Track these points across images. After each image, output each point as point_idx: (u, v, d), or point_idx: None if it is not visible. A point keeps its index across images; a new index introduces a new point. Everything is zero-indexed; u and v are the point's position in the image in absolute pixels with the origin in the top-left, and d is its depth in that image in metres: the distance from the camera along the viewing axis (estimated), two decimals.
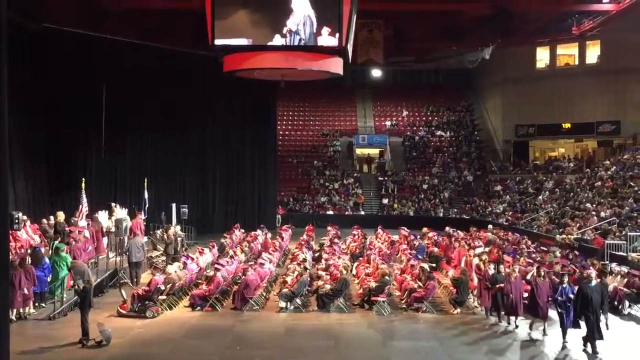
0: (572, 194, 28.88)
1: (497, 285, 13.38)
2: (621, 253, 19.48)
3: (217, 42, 16.59)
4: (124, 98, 24.48)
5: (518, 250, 19.17)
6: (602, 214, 23.84)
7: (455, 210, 34.04)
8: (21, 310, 12.96)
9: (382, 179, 37.89)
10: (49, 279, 13.94)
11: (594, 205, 25.28)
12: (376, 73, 35.07)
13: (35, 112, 21.70)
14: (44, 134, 22.82)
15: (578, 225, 23.63)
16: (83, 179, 19.62)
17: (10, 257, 12.46)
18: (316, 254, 20.38)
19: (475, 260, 15.25)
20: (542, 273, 12.92)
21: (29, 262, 13.67)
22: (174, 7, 21.95)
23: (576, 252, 19.55)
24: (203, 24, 16.81)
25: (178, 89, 26.26)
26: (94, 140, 24.63)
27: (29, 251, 14.73)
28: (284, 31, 16.38)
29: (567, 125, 35.35)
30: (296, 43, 16.46)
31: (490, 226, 25.37)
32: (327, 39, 16.39)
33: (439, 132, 41.73)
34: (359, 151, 40.88)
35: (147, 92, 25.52)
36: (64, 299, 13.78)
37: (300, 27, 16.36)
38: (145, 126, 26.65)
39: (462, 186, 36.81)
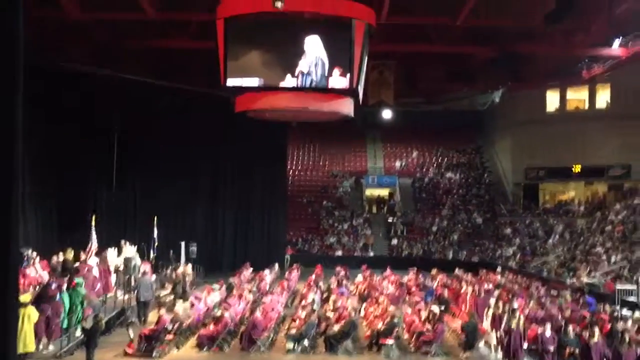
0: (582, 237, 28.71)
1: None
2: (632, 298, 19.30)
3: (229, 82, 16.72)
4: (136, 135, 24.66)
5: (528, 294, 19.03)
6: (613, 259, 23.67)
7: (465, 252, 33.85)
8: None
9: (391, 220, 37.79)
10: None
11: (605, 250, 25.11)
12: (387, 114, 35.16)
13: (47, 148, 21.85)
14: (55, 171, 22.95)
15: (588, 269, 23.46)
16: (93, 215, 19.67)
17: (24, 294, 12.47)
18: (324, 295, 20.28)
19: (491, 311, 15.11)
20: (596, 332, 12.66)
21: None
22: (190, 47, 22.20)
23: (586, 297, 19.37)
24: (215, 64, 16.96)
25: (190, 128, 26.44)
26: (105, 177, 24.75)
27: (37, 288, 14.71)
28: (296, 72, 16.49)
29: (578, 169, 35.27)
30: (308, 84, 16.55)
31: (499, 269, 25.21)
32: (338, 80, 16.48)
33: (448, 174, 41.71)
34: (368, 192, 40.87)
35: (159, 129, 25.69)
36: (71, 337, 13.71)
37: (312, 68, 16.47)
38: (156, 163, 26.76)
39: (472, 228, 36.65)
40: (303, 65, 16.48)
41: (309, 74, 16.51)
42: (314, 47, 16.50)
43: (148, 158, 26.23)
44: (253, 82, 16.79)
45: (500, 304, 15.56)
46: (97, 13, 19.94)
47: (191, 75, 24.12)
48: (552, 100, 36.40)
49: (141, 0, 18.28)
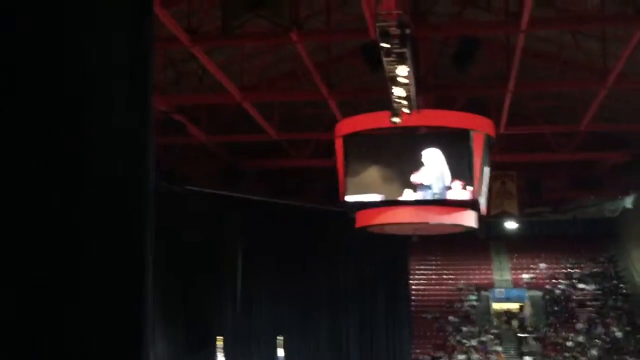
0: None
1: None
2: None
3: (349, 198, 16.80)
4: (258, 254, 24.99)
5: None
6: None
7: None
8: None
9: (522, 335, 36.11)
10: None
11: None
12: (511, 225, 34.32)
13: (171, 270, 22.40)
14: (179, 291, 23.41)
15: None
16: (219, 335, 19.77)
17: None
18: None
19: None
20: None
21: None
22: (309, 165, 22.66)
23: None
24: (334, 181, 17.15)
25: (311, 244, 26.61)
26: (230, 298, 25.03)
27: None
28: (416, 185, 16.39)
29: None
30: (429, 197, 16.40)
31: None
32: (459, 192, 16.24)
33: (581, 285, 39.70)
34: (496, 306, 39.40)
35: (280, 248, 25.98)
36: None
37: (433, 181, 16.34)
38: (279, 282, 26.92)
39: (611, 343, 34.41)
40: (423, 177, 16.38)
41: (429, 186, 16.37)
42: (433, 159, 16.42)
43: (270, 277, 26.44)
44: (373, 197, 16.79)
45: None
46: (221, 136, 20.77)
47: (310, 192, 24.50)
48: None
49: (264, 123, 18.93)
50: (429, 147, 16.56)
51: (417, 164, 16.50)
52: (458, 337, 36.04)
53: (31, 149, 2.67)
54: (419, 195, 16.41)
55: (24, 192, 2.65)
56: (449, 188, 16.30)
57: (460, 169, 16.37)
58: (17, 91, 2.69)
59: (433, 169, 16.39)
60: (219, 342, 19.44)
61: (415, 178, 16.39)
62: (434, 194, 16.37)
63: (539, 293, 39.50)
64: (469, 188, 16.19)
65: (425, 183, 16.40)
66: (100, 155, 2.82)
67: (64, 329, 2.66)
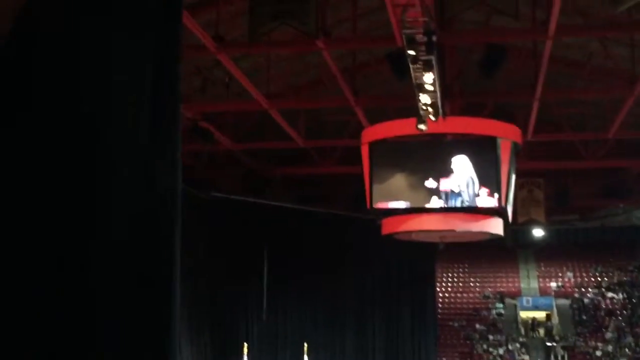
0: None
1: None
2: None
3: (376, 205, 16.78)
4: (284, 261, 25.02)
5: None
6: None
7: None
8: None
9: (550, 344, 35.75)
10: None
11: None
12: (538, 232, 34.06)
13: (197, 276, 22.49)
14: (206, 298, 23.49)
15: None
16: (245, 344, 19.80)
17: None
18: None
19: None
20: None
21: None
22: (335, 172, 22.68)
23: None
24: (361, 188, 17.14)
25: (337, 251, 26.57)
26: (256, 305, 25.07)
27: None
28: (443, 193, 16.35)
29: None
30: (458, 204, 16.34)
31: None
32: (486, 200, 16.16)
33: (610, 294, 39.24)
34: (523, 314, 39.05)
35: (306, 254, 25.99)
36: None
37: (463, 188, 16.28)
38: (304, 289, 26.91)
39: None
40: (452, 185, 16.33)
41: (459, 194, 16.30)
42: (462, 167, 16.36)
43: (296, 283, 26.44)
44: (399, 204, 16.76)
45: None
46: (247, 144, 20.86)
47: (336, 199, 24.51)
48: None
49: (290, 130, 18.99)
50: (457, 154, 16.51)
51: (444, 171, 16.44)
52: (485, 346, 35.76)
53: (64, 164, 2.74)
54: (446, 202, 16.36)
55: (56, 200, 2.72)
56: (476, 195, 16.24)
57: (487, 177, 16.28)
58: (35, 106, 2.77)
59: (463, 176, 16.32)
60: (245, 349, 19.48)
61: (444, 185, 16.33)
62: (464, 201, 16.31)
63: (566, 302, 39.08)
64: (496, 195, 16.11)
65: (455, 190, 16.34)
66: (127, 165, 2.86)
67: (96, 325, 2.72)
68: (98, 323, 2.72)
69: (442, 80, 14.35)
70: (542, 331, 37.80)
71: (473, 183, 16.26)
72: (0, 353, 2.59)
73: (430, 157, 16.89)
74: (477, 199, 16.23)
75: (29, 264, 2.64)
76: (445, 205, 16.41)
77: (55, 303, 2.64)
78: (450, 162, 16.44)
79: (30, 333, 2.60)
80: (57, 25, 2.83)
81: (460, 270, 43.00)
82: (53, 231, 2.69)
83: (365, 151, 17.12)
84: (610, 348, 34.49)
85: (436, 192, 16.43)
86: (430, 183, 16.47)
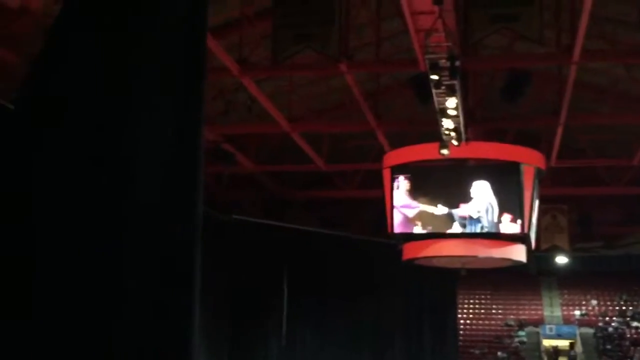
0: None
1: None
2: None
3: (397, 230, 16.69)
4: (304, 286, 24.88)
5: None
6: None
7: None
8: None
9: None
10: None
11: None
12: (562, 260, 33.69)
13: (216, 299, 22.42)
14: (225, 321, 23.39)
15: None
16: None
17: None
18: None
19: None
20: None
21: None
22: (356, 196, 22.63)
23: None
24: (382, 212, 17.07)
25: (356, 276, 26.40)
26: (274, 330, 24.93)
27: None
28: (461, 218, 16.25)
29: None
30: (478, 230, 16.22)
31: None
32: (508, 226, 16.02)
33: (635, 323, 38.66)
34: (546, 343, 38.56)
35: (325, 279, 25.84)
36: None
37: (483, 214, 16.16)
38: (324, 314, 26.72)
39: None
40: (471, 210, 16.22)
41: (478, 220, 16.19)
42: (482, 193, 16.25)
43: (315, 307, 26.27)
44: (420, 229, 16.66)
45: None
46: (269, 166, 20.89)
47: (357, 223, 24.43)
48: None
49: (312, 154, 18.99)
50: (478, 179, 16.41)
51: (466, 197, 16.34)
52: None
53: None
54: (467, 228, 16.25)
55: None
56: (499, 222, 16.10)
57: (510, 203, 16.16)
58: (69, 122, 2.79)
59: (482, 201, 16.22)
60: None
61: (462, 211, 16.23)
62: (483, 226, 16.19)
63: (590, 330, 38.53)
64: (519, 222, 15.97)
65: (474, 216, 16.23)
66: (148, 185, 2.85)
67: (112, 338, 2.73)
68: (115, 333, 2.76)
69: (465, 105, 14.30)
70: None
71: (492, 209, 16.14)
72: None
73: (452, 182, 16.81)
74: (500, 225, 16.10)
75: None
76: (464, 231, 16.32)
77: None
78: (471, 187, 16.35)
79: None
80: (84, 42, 2.88)
81: (483, 297, 42.61)
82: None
83: (386, 175, 17.07)
84: None
85: (456, 217, 16.33)
86: (451, 209, 16.38)
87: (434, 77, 11.89)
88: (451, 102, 13.01)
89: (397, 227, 16.74)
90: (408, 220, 16.66)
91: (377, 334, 28.75)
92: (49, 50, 2.94)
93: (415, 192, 16.75)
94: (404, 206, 16.69)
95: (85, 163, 2.76)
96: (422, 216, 16.63)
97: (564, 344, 38.60)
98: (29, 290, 2.66)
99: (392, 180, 16.73)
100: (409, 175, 16.59)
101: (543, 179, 17.69)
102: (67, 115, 2.81)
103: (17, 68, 11.81)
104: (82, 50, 2.85)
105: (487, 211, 16.16)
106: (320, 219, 24.06)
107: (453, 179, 16.85)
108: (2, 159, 2.81)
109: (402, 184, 16.63)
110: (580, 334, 38.26)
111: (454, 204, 16.47)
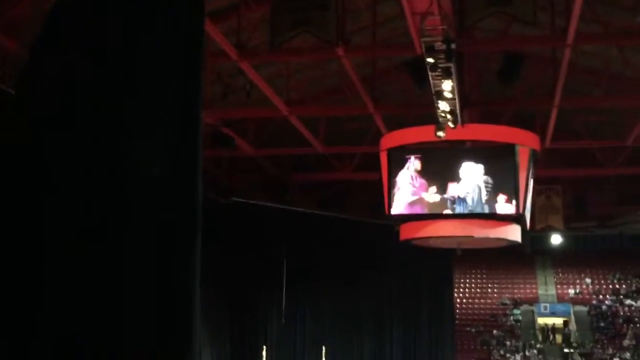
0: None
1: None
2: None
3: (393, 211, 16.90)
4: (303, 266, 25.17)
5: None
6: None
7: None
8: None
9: (567, 351, 35.62)
10: None
11: None
12: (556, 239, 33.97)
13: (217, 280, 22.65)
14: (225, 301, 23.67)
15: None
16: (264, 346, 19.95)
17: None
18: None
19: None
20: None
21: None
22: (353, 178, 22.79)
23: None
24: (379, 194, 17.26)
25: (353, 257, 26.67)
26: (275, 309, 25.24)
27: None
28: (452, 198, 16.46)
29: None
30: (464, 211, 16.44)
31: None
32: (503, 207, 16.25)
33: (628, 301, 39.04)
34: (540, 321, 38.93)
35: (324, 259, 26.11)
36: None
37: (469, 194, 16.36)
38: (322, 293, 27.04)
39: None
40: (459, 191, 16.43)
41: (464, 199, 16.39)
42: (471, 174, 16.44)
43: (314, 288, 26.58)
44: (417, 210, 16.87)
45: None
46: (268, 149, 21.04)
47: (355, 205, 24.63)
48: None
49: (310, 137, 19.14)
50: (473, 161, 16.59)
51: (455, 178, 16.54)
52: (502, 352, 35.67)
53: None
54: (455, 209, 16.46)
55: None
56: (494, 202, 16.31)
57: (505, 184, 16.37)
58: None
59: (470, 182, 16.41)
60: (264, 352, 19.65)
61: (451, 191, 16.44)
62: (468, 206, 16.38)
63: (584, 308, 38.87)
64: (514, 202, 16.18)
65: (461, 196, 16.43)
66: (150, 170, 2.98)
67: (124, 329, 2.89)
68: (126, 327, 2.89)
69: (461, 88, 14.46)
70: (559, 338, 37.63)
71: (479, 190, 16.34)
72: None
73: (449, 164, 16.99)
74: (495, 205, 16.31)
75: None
76: (452, 212, 16.51)
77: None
78: (460, 167, 16.54)
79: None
80: (86, 26, 2.95)
81: (478, 276, 42.88)
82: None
83: (384, 157, 17.24)
84: (628, 355, 34.30)
85: (447, 197, 16.54)
86: (444, 189, 16.59)
87: (430, 59, 12.05)
88: (447, 85, 13.17)
89: (396, 208, 16.92)
90: (408, 202, 16.85)
91: (375, 313, 29.08)
92: (47, 35, 3.00)
93: (424, 172, 16.85)
94: (411, 187, 16.77)
95: (87, 142, 2.91)
96: (420, 197, 16.84)
97: (558, 322, 38.94)
98: (34, 291, 2.81)
99: (404, 160, 16.82)
100: (419, 155, 16.70)
101: (538, 160, 17.88)
102: (67, 101, 2.93)
103: (16, 54, 11.94)
104: (78, 35, 2.93)
105: (474, 191, 16.34)
106: (318, 201, 24.25)
107: (449, 161, 17.03)
108: (4, 160, 2.94)
109: (412, 165, 16.74)
110: (574, 312, 38.59)
111: (444, 185, 16.68)
